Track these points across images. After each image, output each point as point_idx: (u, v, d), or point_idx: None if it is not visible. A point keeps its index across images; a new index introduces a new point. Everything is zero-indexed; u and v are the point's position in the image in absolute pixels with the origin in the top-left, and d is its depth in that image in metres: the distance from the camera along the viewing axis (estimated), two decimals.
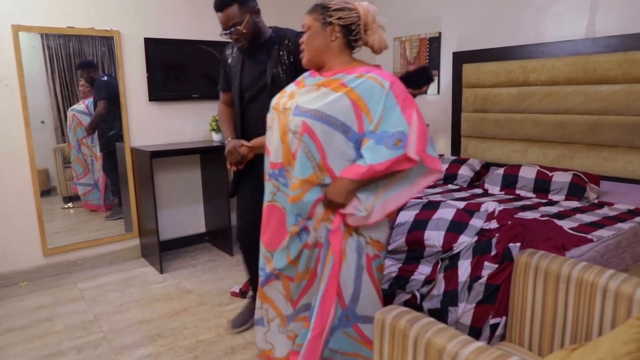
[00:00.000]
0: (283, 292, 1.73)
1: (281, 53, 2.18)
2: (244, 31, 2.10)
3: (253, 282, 2.50)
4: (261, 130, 1.97)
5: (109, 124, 3.47)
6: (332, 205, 1.57)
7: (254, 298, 2.44)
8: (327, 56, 1.65)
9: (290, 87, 1.73)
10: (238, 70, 2.27)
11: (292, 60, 2.16)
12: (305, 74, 1.75)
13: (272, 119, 1.70)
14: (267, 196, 1.73)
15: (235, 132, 2.32)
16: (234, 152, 2.13)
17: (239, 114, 2.31)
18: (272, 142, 1.69)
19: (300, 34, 1.93)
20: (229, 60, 2.33)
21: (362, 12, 1.62)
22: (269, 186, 1.71)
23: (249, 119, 2.29)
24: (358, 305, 1.66)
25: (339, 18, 1.61)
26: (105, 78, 3.41)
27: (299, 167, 1.57)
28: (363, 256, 1.64)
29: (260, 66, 2.21)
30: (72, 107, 3.34)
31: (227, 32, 2.12)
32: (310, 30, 1.65)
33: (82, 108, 3.37)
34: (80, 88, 3.32)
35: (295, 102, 1.61)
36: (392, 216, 1.72)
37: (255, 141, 2.13)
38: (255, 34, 2.16)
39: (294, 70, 2.14)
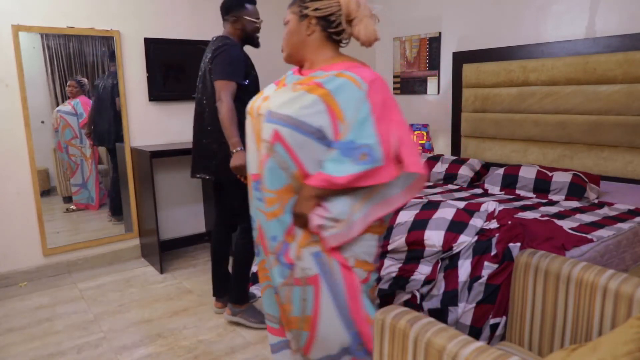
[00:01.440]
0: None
1: None
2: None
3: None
4: None
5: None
6: (297, 220, 1.42)
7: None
8: (305, 52, 1.49)
9: (269, 88, 1.57)
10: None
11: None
12: (288, 72, 1.60)
13: (247, 125, 1.55)
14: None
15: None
16: (244, 169, 2.06)
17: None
18: (249, 150, 1.54)
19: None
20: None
21: (343, 1, 1.42)
22: (253, 201, 1.55)
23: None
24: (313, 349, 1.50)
25: (315, 9, 1.43)
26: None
27: (269, 178, 1.42)
28: (344, 281, 1.46)
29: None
30: (57, 109, 3.30)
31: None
32: (288, 24, 1.50)
33: (69, 109, 3.34)
34: (68, 88, 3.28)
35: (268, 106, 1.43)
36: (381, 231, 1.52)
37: None
38: None
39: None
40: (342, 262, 1.44)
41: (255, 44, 2.49)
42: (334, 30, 1.45)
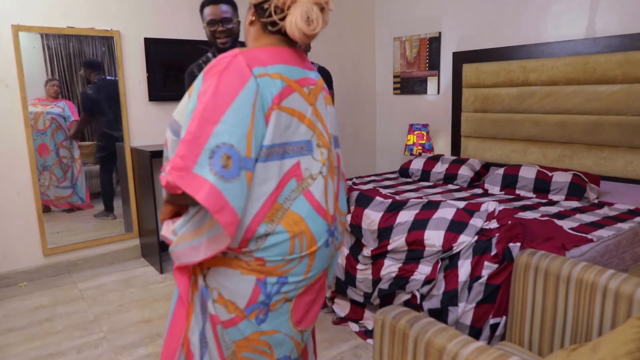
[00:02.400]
0: None
1: None
2: (233, 29, 2.28)
3: None
4: None
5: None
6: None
7: None
8: (247, 41, 1.24)
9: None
10: None
11: None
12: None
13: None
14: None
15: None
16: None
17: None
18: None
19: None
20: None
21: None
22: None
23: None
24: None
25: None
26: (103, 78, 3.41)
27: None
28: (207, 317, 1.16)
29: None
30: (48, 111, 3.26)
31: (220, 21, 2.21)
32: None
33: (59, 111, 3.31)
34: (52, 88, 3.22)
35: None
36: (262, 275, 1.10)
37: None
38: (235, 38, 2.31)
39: None
40: (202, 288, 1.17)
41: (219, 50, 2.23)
42: (266, 20, 1.15)
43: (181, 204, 1.13)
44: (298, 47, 1.21)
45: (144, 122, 3.56)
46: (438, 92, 4.24)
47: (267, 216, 1.07)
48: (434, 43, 4.18)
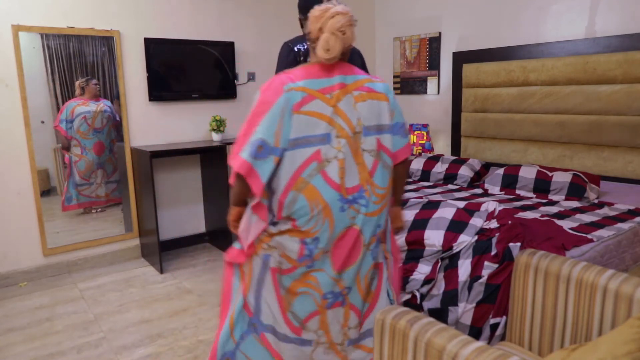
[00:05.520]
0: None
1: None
2: None
3: None
4: None
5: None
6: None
7: None
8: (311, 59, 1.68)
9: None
10: None
11: None
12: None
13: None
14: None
15: None
16: None
17: None
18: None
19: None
20: (301, 56, 2.39)
21: (310, 19, 1.55)
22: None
23: None
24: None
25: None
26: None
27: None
28: (267, 270, 1.66)
29: None
30: (105, 109, 3.43)
31: None
32: None
33: (109, 110, 3.46)
34: (94, 87, 3.35)
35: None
36: (307, 235, 1.57)
37: None
38: None
39: None
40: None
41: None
42: (311, 46, 1.60)
43: (235, 192, 1.60)
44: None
45: (144, 122, 3.56)
46: (438, 92, 4.24)
47: (294, 186, 1.53)
48: (434, 43, 4.18)
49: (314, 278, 1.62)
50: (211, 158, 3.73)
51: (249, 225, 1.63)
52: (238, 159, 1.50)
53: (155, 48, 3.49)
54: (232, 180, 1.57)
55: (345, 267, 1.62)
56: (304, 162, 1.52)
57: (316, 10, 1.54)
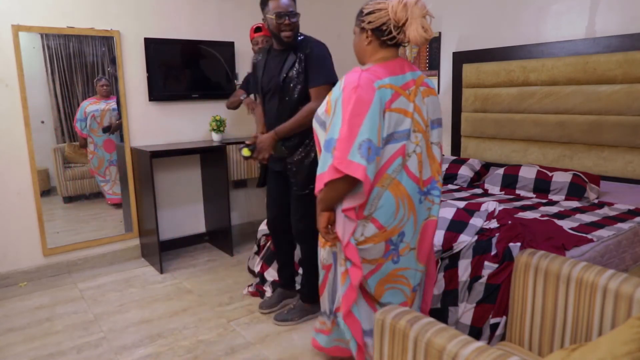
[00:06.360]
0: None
1: (298, 59, 2.26)
2: (297, 23, 2.25)
3: (280, 271, 2.72)
4: (274, 125, 2.32)
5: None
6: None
7: (282, 285, 2.71)
8: (365, 58, 1.72)
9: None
10: (261, 67, 2.43)
11: (303, 68, 2.27)
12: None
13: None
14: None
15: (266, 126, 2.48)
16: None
17: (262, 109, 2.50)
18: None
19: (320, 45, 2.22)
20: (257, 63, 2.50)
21: (391, 10, 1.59)
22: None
23: (268, 114, 2.45)
24: None
25: (369, 22, 1.63)
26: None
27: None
28: None
29: (278, 67, 2.32)
30: (114, 108, 3.47)
31: (287, 14, 2.19)
32: (355, 35, 1.74)
33: (101, 107, 3.47)
34: (103, 87, 3.41)
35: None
36: (392, 233, 1.71)
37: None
38: (297, 32, 2.28)
39: (304, 79, 2.27)
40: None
41: (281, 43, 2.28)
42: (386, 38, 1.63)
43: (332, 196, 1.62)
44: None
45: (144, 122, 3.56)
46: (438, 92, 4.24)
47: (379, 182, 1.59)
48: (434, 43, 4.18)
49: (402, 275, 1.73)
50: (211, 158, 3.73)
51: (343, 228, 1.64)
52: (352, 164, 1.49)
53: (155, 48, 3.49)
54: (321, 185, 1.59)
55: (426, 259, 1.77)
56: (390, 158, 1.59)
57: (395, 1, 1.59)
